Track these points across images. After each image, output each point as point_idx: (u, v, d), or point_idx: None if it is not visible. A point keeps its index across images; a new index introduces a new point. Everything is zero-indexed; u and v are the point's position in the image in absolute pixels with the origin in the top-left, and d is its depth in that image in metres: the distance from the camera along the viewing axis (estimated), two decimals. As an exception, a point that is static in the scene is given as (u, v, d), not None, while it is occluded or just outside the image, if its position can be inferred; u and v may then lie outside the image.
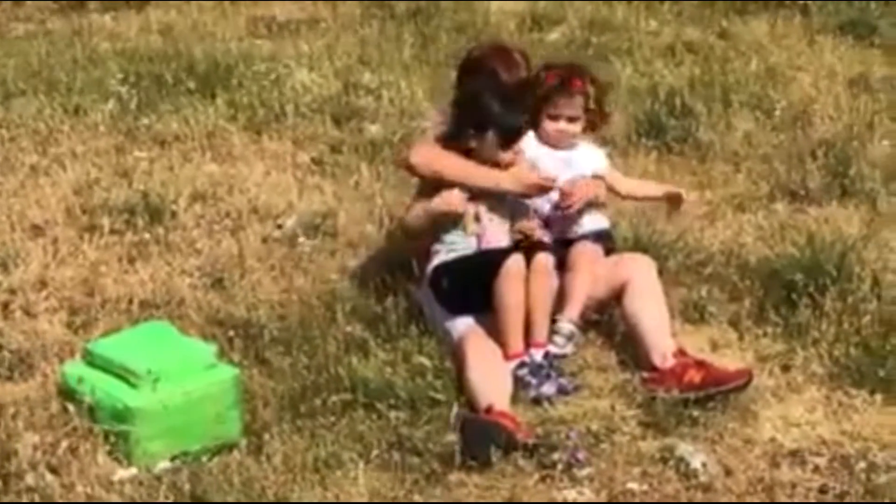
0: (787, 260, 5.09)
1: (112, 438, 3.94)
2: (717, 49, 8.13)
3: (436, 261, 4.64)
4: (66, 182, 6.03)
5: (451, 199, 4.58)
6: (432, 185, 4.65)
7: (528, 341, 4.45)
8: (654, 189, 5.16)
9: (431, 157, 4.68)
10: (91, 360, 4.14)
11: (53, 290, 5.04)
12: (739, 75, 7.48)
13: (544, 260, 4.50)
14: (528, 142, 4.75)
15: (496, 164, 4.64)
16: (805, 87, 7.39)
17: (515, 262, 4.43)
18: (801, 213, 5.85)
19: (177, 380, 4.00)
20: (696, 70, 7.62)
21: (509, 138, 4.62)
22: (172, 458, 3.94)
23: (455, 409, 4.15)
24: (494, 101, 4.61)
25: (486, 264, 4.48)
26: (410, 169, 4.75)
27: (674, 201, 5.05)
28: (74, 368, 4.18)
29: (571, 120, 4.80)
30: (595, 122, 4.90)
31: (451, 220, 4.61)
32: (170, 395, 3.96)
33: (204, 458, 3.95)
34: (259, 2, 9.31)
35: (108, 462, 3.91)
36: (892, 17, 8.75)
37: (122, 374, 4.00)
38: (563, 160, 4.80)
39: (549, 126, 4.79)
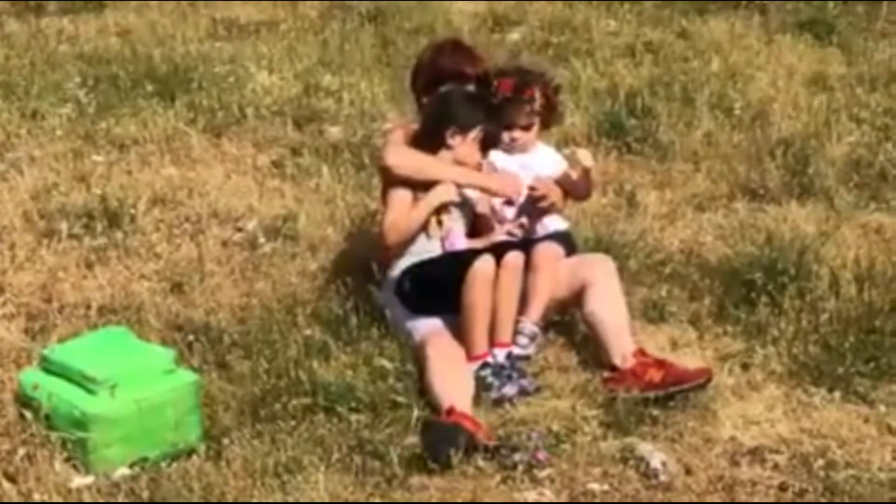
0: (746, 259, 5.13)
1: (70, 445, 3.92)
2: (676, 49, 8.15)
3: (401, 265, 4.65)
4: (24, 187, 5.97)
5: (448, 191, 4.61)
6: (401, 187, 4.66)
7: (493, 341, 4.46)
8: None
9: (408, 158, 4.68)
10: (48, 366, 4.11)
11: (11, 295, 5.00)
12: (699, 75, 7.50)
13: (516, 259, 4.51)
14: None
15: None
16: (764, 86, 7.43)
17: (486, 263, 4.43)
18: (761, 211, 5.89)
19: (135, 386, 3.97)
20: (656, 70, 7.65)
21: (490, 139, 4.70)
22: (131, 465, 3.91)
23: (415, 412, 4.15)
24: (479, 101, 4.70)
25: (455, 266, 4.49)
26: (387, 171, 4.72)
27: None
28: (31, 375, 4.14)
29: (525, 128, 4.82)
30: (548, 120, 4.91)
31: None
32: (128, 401, 3.93)
33: (163, 464, 3.92)
34: (219, 4, 9.26)
35: (65, 469, 3.88)
36: (849, 16, 8.81)
37: (80, 381, 3.97)
38: (519, 164, 4.82)
39: (503, 135, 4.81)
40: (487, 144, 4.76)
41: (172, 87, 7.21)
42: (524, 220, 4.79)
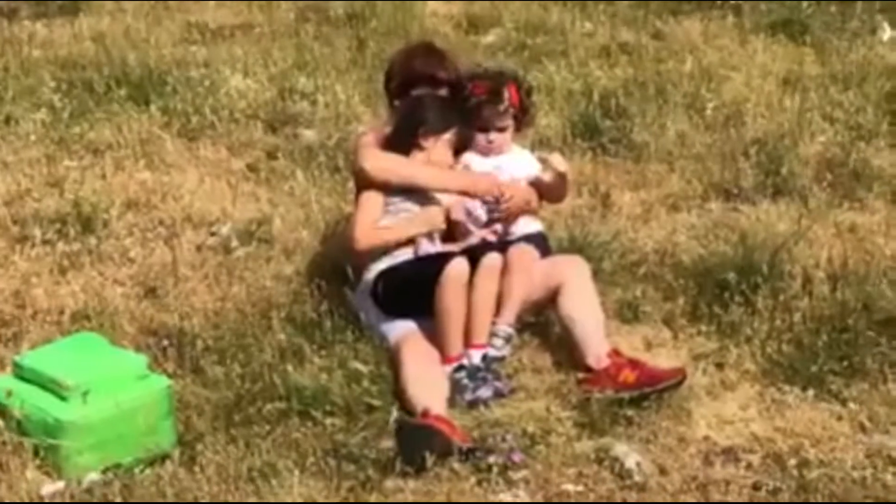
0: (720, 258, 5.13)
1: (42, 452, 3.90)
2: (650, 50, 8.15)
3: (376, 268, 4.65)
4: (-3, 192, 5.96)
5: (435, 217, 4.65)
6: (373, 190, 4.66)
7: (467, 342, 4.46)
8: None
9: (384, 160, 4.70)
10: (21, 373, 4.10)
11: (-17, 302, 4.99)
12: (673, 75, 7.50)
13: (493, 261, 4.52)
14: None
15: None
16: (738, 86, 7.44)
17: (459, 265, 4.44)
18: (735, 211, 5.89)
19: (107, 392, 3.96)
20: (631, 71, 7.65)
21: (463, 143, 4.74)
22: (104, 471, 3.90)
23: (394, 413, 4.14)
24: (452, 105, 4.75)
25: (429, 268, 4.49)
26: (362, 173, 4.73)
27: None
28: (4, 382, 4.12)
29: (501, 130, 4.83)
30: (520, 123, 4.92)
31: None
32: (100, 407, 3.93)
33: (136, 470, 3.91)
34: (193, 6, 9.24)
35: (37, 476, 3.87)
36: (823, 15, 8.83)
37: (52, 387, 3.96)
38: (494, 166, 4.83)
39: (479, 138, 4.83)
40: (460, 148, 4.78)
41: (147, 91, 7.18)
42: (497, 226, 4.78)
